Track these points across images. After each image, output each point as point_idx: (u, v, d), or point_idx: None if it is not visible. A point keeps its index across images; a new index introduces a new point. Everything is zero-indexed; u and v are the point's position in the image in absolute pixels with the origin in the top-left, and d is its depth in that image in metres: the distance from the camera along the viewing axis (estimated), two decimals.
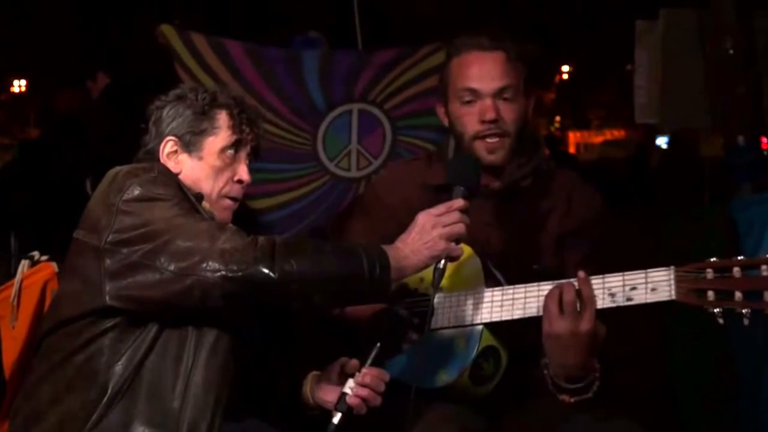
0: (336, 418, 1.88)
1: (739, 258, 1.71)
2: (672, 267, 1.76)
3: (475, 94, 2.13)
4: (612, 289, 1.81)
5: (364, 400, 1.89)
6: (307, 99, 3.47)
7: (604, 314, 1.83)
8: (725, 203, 2.90)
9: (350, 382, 1.91)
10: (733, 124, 4.39)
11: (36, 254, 2.69)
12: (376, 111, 3.48)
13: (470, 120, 2.13)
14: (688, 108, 4.50)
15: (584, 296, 1.81)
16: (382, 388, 1.91)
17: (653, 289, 1.76)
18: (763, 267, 1.67)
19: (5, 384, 2.60)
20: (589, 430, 1.92)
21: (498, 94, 2.12)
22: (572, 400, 1.87)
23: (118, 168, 1.88)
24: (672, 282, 1.74)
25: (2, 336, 2.62)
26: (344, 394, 1.90)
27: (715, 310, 1.69)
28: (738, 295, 1.68)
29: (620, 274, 1.81)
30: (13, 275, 2.71)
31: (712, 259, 1.73)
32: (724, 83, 4.29)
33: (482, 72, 2.13)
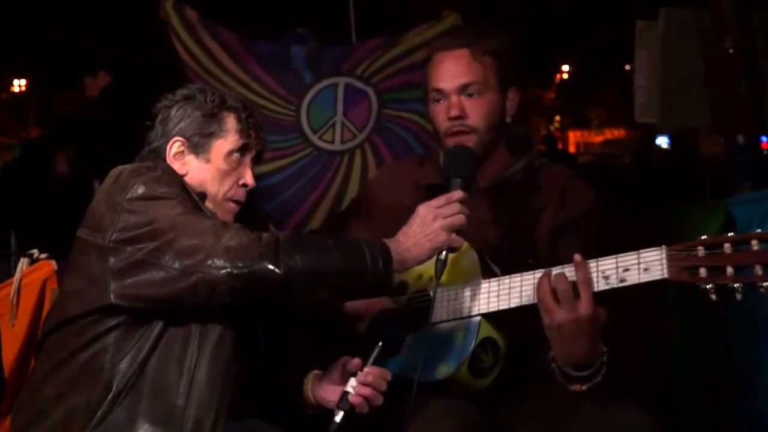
0: (338, 417, 1.89)
1: (729, 234, 1.71)
2: (663, 246, 1.76)
3: (442, 93, 2.18)
4: (606, 272, 1.82)
5: (366, 399, 1.90)
6: (294, 73, 3.50)
7: (600, 300, 1.83)
8: (725, 202, 2.90)
9: (352, 381, 1.92)
10: (733, 123, 4.39)
11: (35, 252, 2.70)
12: (362, 85, 3.50)
13: (441, 118, 2.19)
14: (688, 108, 4.50)
15: (580, 279, 1.81)
16: (384, 387, 1.92)
17: (646, 269, 1.76)
18: (753, 242, 1.68)
19: (5, 381, 2.61)
20: (588, 422, 1.93)
21: (461, 91, 2.16)
22: (584, 387, 1.87)
23: (121, 167, 1.88)
24: (664, 261, 1.74)
25: (2, 334, 2.63)
26: (346, 393, 1.91)
27: (708, 286, 1.69)
28: (729, 270, 1.68)
29: (613, 256, 1.82)
30: (13, 273, 2.72)
31: (702, 237, 1.73)
32: (724, 83, 4.29)
33: (445, 71, 2.17)
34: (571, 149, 21.95)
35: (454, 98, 2.16)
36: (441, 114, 2.18)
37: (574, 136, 24.70)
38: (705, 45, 4.31)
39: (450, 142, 2.17)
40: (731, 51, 4.20)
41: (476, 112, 2.16)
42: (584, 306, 1.79)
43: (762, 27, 4.27)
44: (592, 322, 1.80)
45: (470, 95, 2.16)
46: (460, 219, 1.87)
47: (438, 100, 2.19)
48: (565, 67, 22.42)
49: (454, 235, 1.87)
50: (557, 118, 24.61)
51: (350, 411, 1.90)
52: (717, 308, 2.60)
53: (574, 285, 1.81)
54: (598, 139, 24.62)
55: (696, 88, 4.38)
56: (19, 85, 21.16)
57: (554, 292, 1.82)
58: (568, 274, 1.83)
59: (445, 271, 1.92)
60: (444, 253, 1.88)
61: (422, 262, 1.88)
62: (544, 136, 13.61)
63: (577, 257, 1.83)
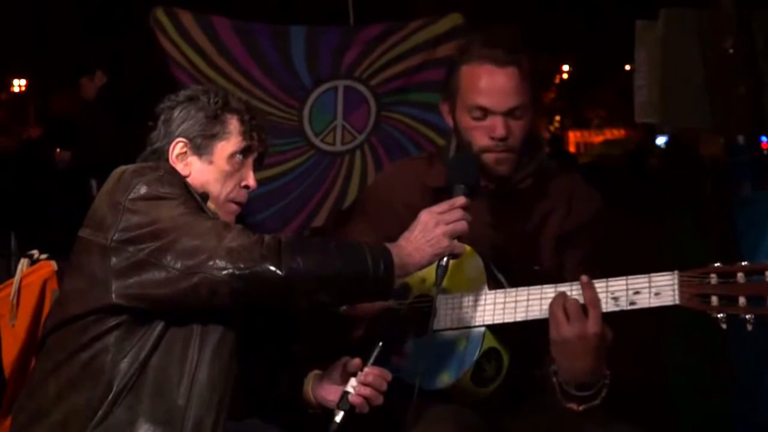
0: (338, 417, 1.89)
1: (743, 263, 1.70)
2: (676, 271, 1.75)
3: (486, 111, 2.10)
4: (615, 293, 1.81)
5: (366, 398, 1.90)
6: (294, 75, 3.50)
7: (605, 315, 1.82)
8: (725, 202, 2.90)
9: (352, 381, 1.92)
10: (733, 124, 4.38)
11: (35, 253, 2.70)
12: (361, 87, 3.52)
13: (479, 134, 2.11)
14: (688, 108, 4.49)
15: (588, 299, 1.80)
16: (384, 387, 1.92)
17: (657, 294, 1.76)
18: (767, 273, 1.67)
19: (5, 382, 2.61)
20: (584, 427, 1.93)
21: (509, 113, 2.09)
22: (581, 408, 1.86)
23: (123, 167, 1.88)
24: (676, 287, 1.74)
25: (2, 334, 2.63)
26: (346, 393, 1.91)
27: (719, 315, 1.69)
28: (742, 300, 1.68)
29: (623, 278, 1.81)
30: (13, 274, 2.72)
31: (716, 264, 1.72)
32: (724, 83, 4.28)
33: (494, 89, 2.08)
34: (571, 149, 21.94)
35: (500, 119, 2.08)
36: (480, 130, 2.10)
37: (574, 136, 24.69)
38: (705, 45, 4.30)
39: (487, 158, 2.11)
40: (731, 51, 4.19)
41: (519, 132, 2.11)
42: (592, 325, 1.79)
43: (762, 27, 4.26)
44: (599, 342, 1.80)
45: (516, 117, 2.10)
46: (462, 225, 1.86)
47: (478, 117, 2.10)
48: (565, 67, 22.42)
49: (456, 242, 1.86)
50: (557, 118, 24.60)
51: (350, 411, 1.90)
52: None
53: (585, 303, 1.81)
54: (598, 139, 24.62)
55: (696, 88, 4.37)
56: (19, 85, 21.16)
57: (565, 307, 1.82)
58: (577, 294, 1.83)
59: (450, 277, 1.92)
60: (445, 259, 1.87)
61: (423, 267, 1.87)
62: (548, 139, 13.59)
63: (584, 278, 1.83)
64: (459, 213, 1.87)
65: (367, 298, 1.95)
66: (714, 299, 1.70)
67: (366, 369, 1.92)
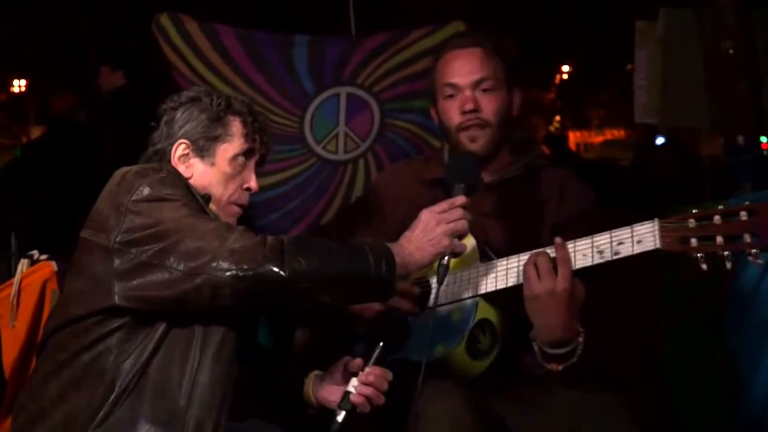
0: (340, 417, 1.90)
1: (719, 207, 1.77)
2: (656, 219, 1.82)
3: (455, 88, 2.24)
4: (600, 247, 1.87)
5: (367, 398, 1.91)
6: (297, 83, 3.48)
7: (590, 278, 1.89)
8: (724, 202, 2.90)
9: (354, 381, 1.93)
10: (733, 124, 4.38)
11: (35, 253, 2.70)
12: (364, 94, 3.50)
13: (453, 113, 2.24)
14: (688, 108, 4.49)
15: (560, 257, 1.88)
16: (386, 386, 1.93)
17: (639, 242, 1.82)
18: (742, 213, 1.73)
19: (5, 382, 2.61)
20: (577, 406, 1.97)
21: (476, 86, 2.23)
22: (560, 367, 1.91)
23: (126, 168, 1.89)
24: (656, 232, 1.80)
25: (2, 335, 2.63)
26: (348, 393, 1.92)
27: (698, 255, 1.74)
28: (719, 239, 1.73)
29: (608, 232, 1.88)
30: (13, 274, 2.72)
31: (693, 210, 1.79)
32: (724, 83, 4.28)
33: (460, 67, 2.25)
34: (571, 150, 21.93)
35: (468, 93, 2.22)
36: (453, 109, 2.24)
37: (574, 137, 24.72)
38: (705, 45, 4.30)
39: (463, 136, 2.23)
40: (731, 51, 4.19)
41: (489, 107, 2.22)
42: (561, 281, 1.86)
43: (762, 27, 4.26)
44: (569, 297, 1.86)
45: (484, 91, 2.23)
46: (462, 225, 1.89)
47: (450, 96, 2.25)
48: (565, 67, 22.44)
49: (456, 240, 1.89)
50: (557, 118, 24.62)
51: (352, 410, 1.91)
52: (715, 307, 2.60)
53: (555, 262, 1.88)
54: (598, 139, 24.65)
55: (696, 88, 4.37)
56: (19, 85, 21.18)
57: (536, 266, 1.88)
58: (551, 253, 1.90)
59: None
60: (446, 258, 1.89)
61: (425, 266, 1.89)
62: (546, 137, 13.56)
63: (558, 239, 1.90)
64: (459, 212, 1.89)
65: (370, 299, 1.95)
66: (693, 241, 1.76)
67: (367, 369, 1.93)
